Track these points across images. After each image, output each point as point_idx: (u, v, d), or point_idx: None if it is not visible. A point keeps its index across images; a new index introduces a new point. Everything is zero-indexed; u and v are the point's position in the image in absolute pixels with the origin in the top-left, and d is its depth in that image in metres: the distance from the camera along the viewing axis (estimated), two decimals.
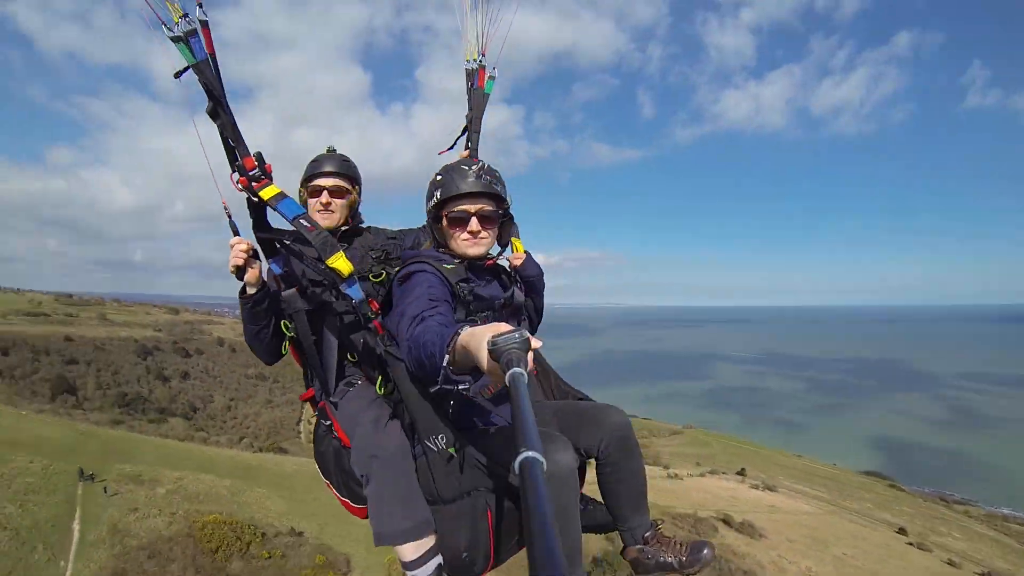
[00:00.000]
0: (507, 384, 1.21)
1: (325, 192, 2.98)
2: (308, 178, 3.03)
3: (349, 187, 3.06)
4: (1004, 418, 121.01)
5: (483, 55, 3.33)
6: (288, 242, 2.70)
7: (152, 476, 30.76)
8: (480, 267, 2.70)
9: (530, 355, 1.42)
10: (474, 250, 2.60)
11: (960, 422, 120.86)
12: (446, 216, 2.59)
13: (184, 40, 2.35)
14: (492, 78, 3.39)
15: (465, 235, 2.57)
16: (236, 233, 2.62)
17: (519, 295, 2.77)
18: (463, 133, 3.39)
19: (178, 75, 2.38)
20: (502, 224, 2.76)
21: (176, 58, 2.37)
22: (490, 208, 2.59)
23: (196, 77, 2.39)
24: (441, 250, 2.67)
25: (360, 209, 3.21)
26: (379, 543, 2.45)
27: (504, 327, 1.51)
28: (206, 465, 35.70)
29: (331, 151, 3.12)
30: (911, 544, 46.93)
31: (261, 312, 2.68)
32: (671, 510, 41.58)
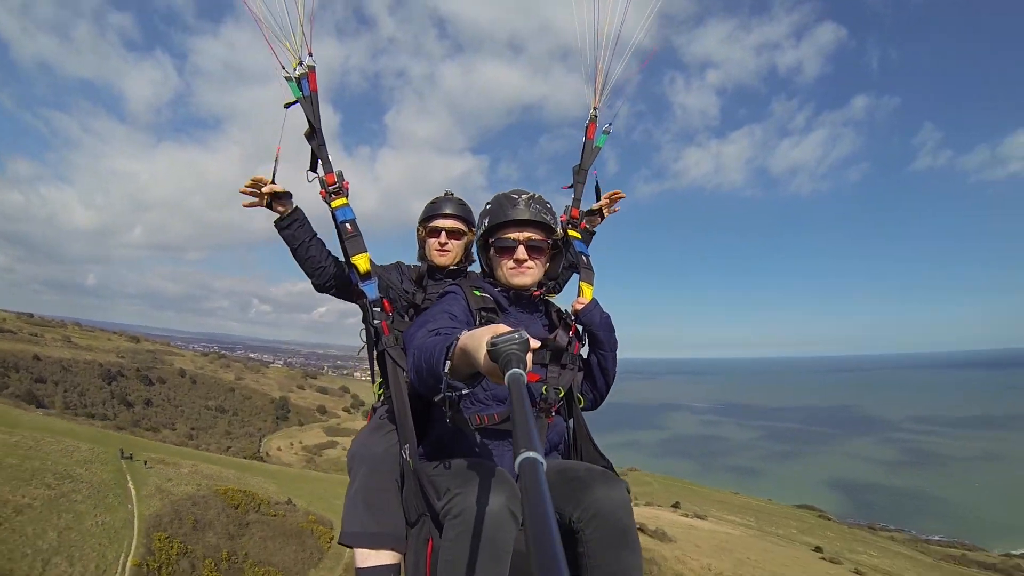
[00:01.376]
0: (506, 384, 1.19)
1: (443, 233, 3.15)
2: (427, 218, 3.23)
3: (465, 229, 3.21)
4: (953, 456, 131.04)
5: (596, 108, 3.34)
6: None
7: (173, 461, 38.90)
8: (526, 299, 2.65)
9: (529, 355, 1.39)
10: (519, 280, 2.55)
11: (910, 462, 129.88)
12: (492, 244, 2.59)
13: (297, 80, 2.89)
14: (606, 132, 3.38)
15: (511, 264, 2.54)
16: (272, 181, 2.95)
17: (562, 338, 2.63)
18: (573, 184, 3.36)
19: (288, 105, 2.92)
20: (554, 257, 2.73)
21: (284, 93, 2.93)
22: (538, 237, 2.56)
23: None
24: (487, 280, 2.69)
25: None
26: (339, 540, 2.46)
27: (503, 328, 1.47)
28: (209, 460, 43.98)
29: (449, 195, 3.29)
30: (823, 559, 52.96)
31: (295, 232, 2.98)
32: None
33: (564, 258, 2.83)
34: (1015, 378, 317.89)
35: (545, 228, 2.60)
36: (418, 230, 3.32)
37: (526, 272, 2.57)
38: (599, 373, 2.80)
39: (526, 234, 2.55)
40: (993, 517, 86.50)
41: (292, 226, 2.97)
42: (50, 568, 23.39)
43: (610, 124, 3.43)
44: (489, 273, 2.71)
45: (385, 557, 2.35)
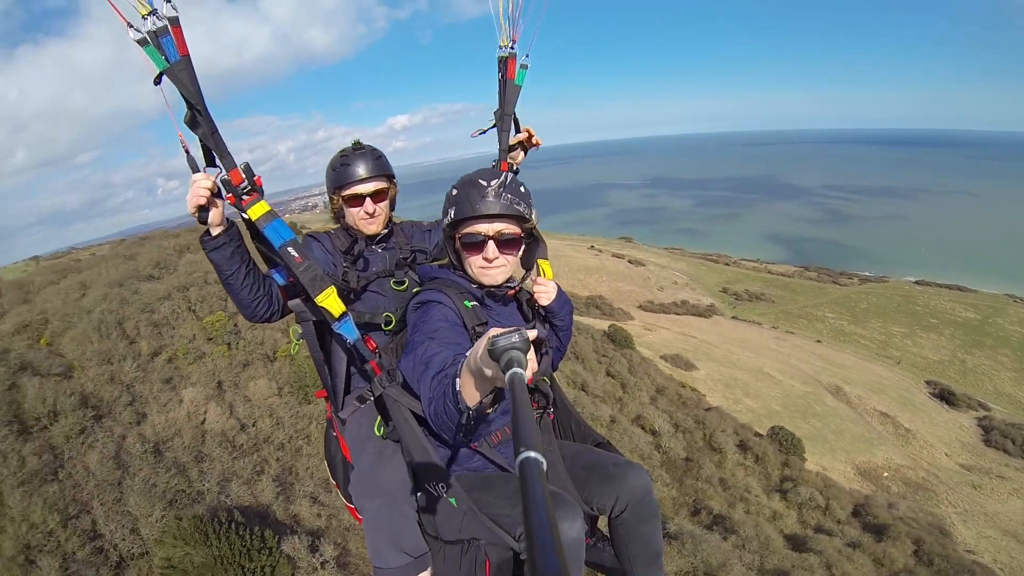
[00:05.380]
0: (507, 384, 1.16)
1: (368, 200, 2.91)
2: (341, 186, 2.92)
3: (387, 185, 2.99)
4: (862, 216, 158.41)
5: (514, 42, 3.05)
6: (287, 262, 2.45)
7: None
8: (500, 295, 2.56)
9: (531, 354, 1.35)
10: (489, 279, 2.44)
11: (830, 220, 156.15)
12: (459, 238, 2.42)
13: (153, 42, 2.11)
14: (524, 67, 3.10)
15: (480, 262, 2.41)
16: (196, 170, 2.34)
17: (542, 331, 2.59)
18: (493, 127, 3.18)
19: (157, 81, 2.16)
20: (528, 245, 2.56)
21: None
22: (511, 230, 2.38)
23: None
24: (458, 272, 2.54)
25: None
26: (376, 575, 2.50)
27: (500, 329, 1.40)
28: None
29: (358, 148, 2.97)
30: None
31: (227, 257, 2.45)
32: None
33: (541, 247, 2.66)
34: (916, 155, 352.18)
35: (518, 219, 2.41)
36: (332, 198, 3.04)
37: (497, 271, 2.45)
38: (556, 354, 2.83)
39: (496, 227, 2.38)
40: (899, 260, 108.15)
41: (225, 248, 2.46)
42: None
43: (527, 56, 3.14)
44: (458, 265, 2.56)
45: None
